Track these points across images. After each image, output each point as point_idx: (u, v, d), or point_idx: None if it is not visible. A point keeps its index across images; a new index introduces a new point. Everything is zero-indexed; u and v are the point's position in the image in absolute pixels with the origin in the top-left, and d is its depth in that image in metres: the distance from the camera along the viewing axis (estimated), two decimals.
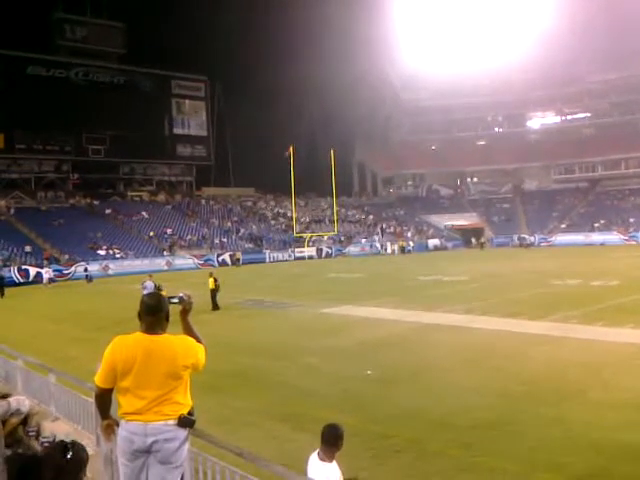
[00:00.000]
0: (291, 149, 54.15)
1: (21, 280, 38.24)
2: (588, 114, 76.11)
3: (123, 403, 3.55)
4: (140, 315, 3.63)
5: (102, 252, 45.52)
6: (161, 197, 64.37)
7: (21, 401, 5.92)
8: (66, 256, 43.01)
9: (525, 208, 70.00)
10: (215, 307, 21.00)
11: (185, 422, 3.52)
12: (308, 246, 56.73)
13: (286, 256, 54.24)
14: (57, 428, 6.05)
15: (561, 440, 7.18)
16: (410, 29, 75.38)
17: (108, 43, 62.31)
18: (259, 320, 18.99)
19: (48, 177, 59.17)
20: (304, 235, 57.49)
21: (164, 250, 49.33)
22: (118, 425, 3.65)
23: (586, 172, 72.56)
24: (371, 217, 69.81)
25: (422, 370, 11.15)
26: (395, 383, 10.35)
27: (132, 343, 3.56)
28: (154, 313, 3.60)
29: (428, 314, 17.81)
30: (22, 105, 53.88)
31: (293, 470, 3.58)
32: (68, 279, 40.16)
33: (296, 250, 55.43)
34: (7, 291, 32.22)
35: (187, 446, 3.61)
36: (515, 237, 62.10)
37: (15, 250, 41.86)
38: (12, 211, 50.54)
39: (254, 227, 60.39)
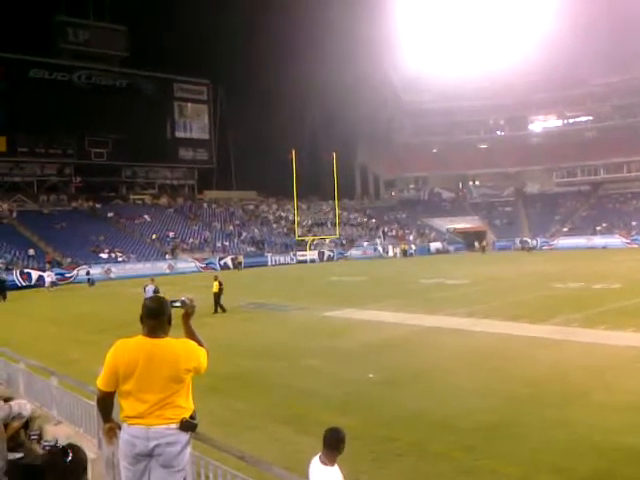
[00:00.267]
0: (293, 152, 54.19)
1: (23, 283, 38.25)
2: (590, 117, 75.98)
3: (125, 406, 3.55)
4: (142, 318, 3.63)
5: (104, 255, 45.53)
6: (163, 200, 64.44)
7: (23, 405, 5.91)
8: (68, 259, 43.05)
9: (527, 211, 69.89)
10: (216, 310, 21.00)
11: (187, 426, 3.52)
12: (310, 249, 56.69)
13: (288, 259, 54.22)
14: (59, 432, 6.05)
15: (564, 443, 7.16)
16: (412, 31, 75.39)
17: (110, 46, 62.43)
18: (261, 323, 18.99)
19: (50, 180, 59.24)
20: (306, 238, 57.46)
21: (166, 253, 49.35)
22: (120, 428, 3.65)
23: (588, 175, 72.47)
24: (373, 220, 69.77)
25: (424, 373, 11.15)
26: (397, 386, 10.34)
27: (134, 346, 3.57)
28: (156, 316, 3.60)
29: (430, 317, 17.80)
30: (24, 108, 54.01)
31: (295, 473, 3.58)
32: (70, 282, 40.16)
33: (298, 253, 55.39)
34: (9, 294, 32.21)
35: (189, 450, 3.61)
36: (517, 240, 61.98)
37: (17, 253, 41.88)
38: (14, 214, 50.60)
39: (256, 230, 60.39)
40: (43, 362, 7.85)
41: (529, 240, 60.87)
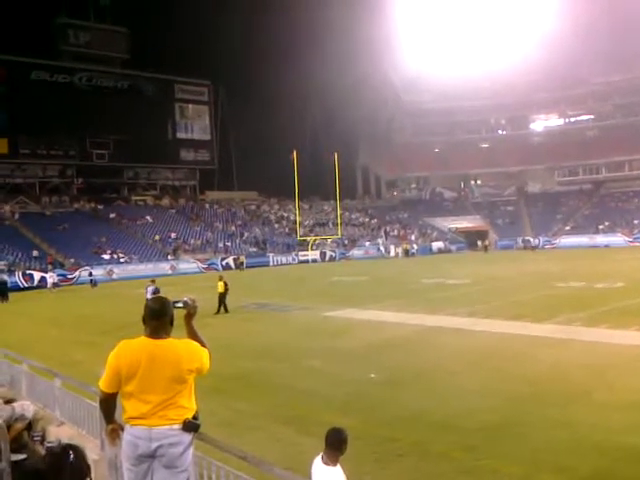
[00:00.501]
0: (294, 152, 54.18)
1: (26, 285, 38.34)
2: (591, 116, 75.88)
3: (128, 407, 3.56)
4: (144, 319, 3.64)
5: (106, 256, 45.59)
6: (165, 201, 64.50)
7: (25, 406, 5.92)
8: (71, 260, 43.12)
9: (529, 210, 69.83)
10: (219, 310, 21.04)
11: (190, 426, 3.53)
12: (312, 249, 56.70)
13: (290, 259, 54.24)
14: (62, 433, 6.07)
15: (566, 442, 7.17)
16: (412, 31, 75.32)
17: (111, 48, 62.52)
18: (263, 323, 19.01)
19: (52, 182, 59.31)
20: (308, 238, 57.45)
21: (168, 254, 49.38)
22: (123, 430, 3.67)
23: (590, 174, 72.43)
24: (375, 220, 69.76)
25: (425, 372, 11.15)
26: (398, 386, 10.35)
27: (136, 347, 3.58)
28: (158, 317, 3.61)
29: (431, 317, 17.80)
30: (26, 110, 54.11)
31: (297, 474, 3.60)
32: (72, 284, 40.21)
33: (300, 253, 55.41)
34: (12, 296, 32.28)
35: (192, 450, 3.62)
36: (519, 240, 61.92)
37: (20, 255, 41.96)
38: (16, 216, 50.67)
39: (258, 231, 60.41)
40: (46, 363, 7.87)
41: (531, 239, 60.81)
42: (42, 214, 52.86)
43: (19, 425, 5.63)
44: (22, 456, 4.32)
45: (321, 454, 3.98)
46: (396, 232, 66.06)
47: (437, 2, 73.67)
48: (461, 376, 10.67)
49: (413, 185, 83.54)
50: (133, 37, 64.05)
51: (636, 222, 59.00)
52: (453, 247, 64.13)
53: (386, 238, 63.34)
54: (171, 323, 3.67)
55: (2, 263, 39.52)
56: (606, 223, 60.34)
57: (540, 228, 63.70)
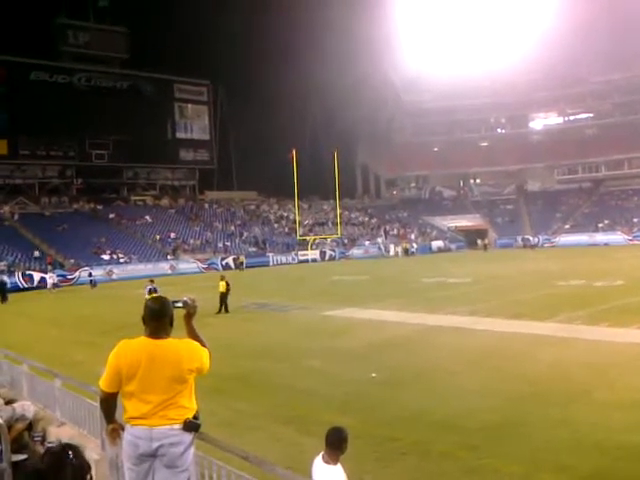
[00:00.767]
0: (294, 152, 54.16)
1: (25, 285, 38.33)
2: (591, 114, 75.87)
3: (128, 407, 3.56)
4: (144, 320, 3.64)
5: (106, 257, 45.58)
6: (164, 201, 64.47)
7: (26, 406, 5.92)
8: (71, 261, 43.12)
9: (529, 209, 69.82)
10: (220, 310, 21.05)
11: (191, 426, 3.52)
12: (311, 249, 56.70)
13: (290, 259, 54.24)
14: (63, 433, 6.07)
15: (567, 441, 7.16)
16: (412, 31, 75.30)
17: (111, 48, 62.46)
18: (263, 323, 19.01)
19: (52, 182, 59.28)
20: (307, 238, 57.44)
21: (168, 254, 49.37)
22: (123, 429, 3.66)
23: (589, 172, 72.37)
24: (374, 219, 69.77)
25: (426, 372, 11.15)
26: (399, 385, 10.34)
27: (136, 347, 3.57)
28: (158, 318, 3.61)
29: (432, 316, 17.80)
30: (25, 111, 54.09)
31: (298, 473, 3.59)
32: (72, 284, 40.20)
33: (299, 253, 55.40)
34: (12, 296, 32.27)
35: (193, 450, 3.62)
36: (519, 238, 61.93)
37: (19, 256, 41.95)
38: (16, 217, 50.67)
39: (257, 230, 60.40)
40: (45, 364, 7.87)
41: (531, 238, 60.82)
42: (42, 215, 52.85)
43: (20, 425, 5.63)
44: (23, 456, 4.32)
45: (322, 453, 3.97)
46: (396, 231, 66.07)
47: (437, 2, 73.66)
48: (461, 376, 10.66)
49: (413, 184, 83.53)
50: (132, 37, 64.06)
51: (635, 220, 59.01)
52: (453, 246, 64.13)
53: (386, 237, 63.35)
54: (171, 323, 3.66)
55: (2, 264, 39.52)
56: (606, 221, 60.35)
57: (540, 226, 63.71)
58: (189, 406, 3.57)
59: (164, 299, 3.78)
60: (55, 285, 36.51)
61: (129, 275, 42.71)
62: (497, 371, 10.85)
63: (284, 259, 53.86)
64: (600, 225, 60.02)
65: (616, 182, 68.88)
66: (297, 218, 58.55)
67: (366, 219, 69.85)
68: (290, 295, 26.54)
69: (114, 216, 55.77)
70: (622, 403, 8.49)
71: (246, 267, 48.16)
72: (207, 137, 69.36)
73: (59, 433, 6.04)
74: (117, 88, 62.34)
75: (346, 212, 68.40)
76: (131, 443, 3.52)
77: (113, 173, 62.37)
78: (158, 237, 52.73)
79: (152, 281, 23.08)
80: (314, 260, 55.27)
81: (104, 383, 3.62)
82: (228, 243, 54.98)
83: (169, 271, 45.40)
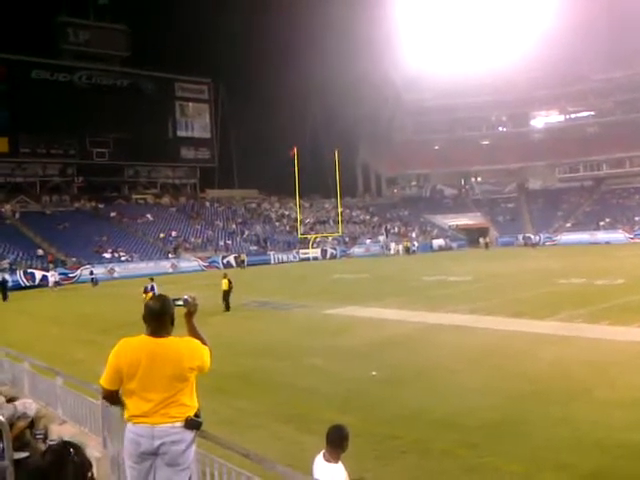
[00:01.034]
0: (295, 150, 54.11)
1: (27, 283, 38.36)
2: (592, 112, 75.80)
3: (130, 406, 3.57)
4: (145, 318, 3.65)
5: (107, 255, 45.63)
6: (165, 200, 64.48)
7: (28, 404, 5.94)
8: (72, 259, 43.16)
9: (530, 207, 69.76)
10: (227, 308, 21.11)
11: (192, 424, 3.53)
12: (313, 247, 56.70)
13: (291, 257, 54.25)
14: (64, 431, 6.08)
15: (567, 440, 7.17)
16: (412, 30, 75.24)
17: (111, 46, 62.45)
18: (264, 321, 19.02)
19: (53, 181, 59.35)
20: (309, 236, 57.44)
21: (169, 252, 49.41)
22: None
23: (591, 171, 72.30)
24: (375, 218, 69.74)
25: (427, 370, 11.15)
26: (400, 383, 10.35)
27: (137, 346, 3.58)
28: (159, 316, 3.61)
29: (433, 314, 17.80)
30: (26, 109, 54.12)
31: (299, 471, 3.60)
32: (74, 282, 40.23)
33: (301, 251, 55.42)
34: (13, 294, 32.30)
35: (194, 448, 3.63)
36: (520, 237, 61.88)
37: (21, 254, 41.98)
38: (17, 215, 50.68)
39: (259, 229, 60.41)
40: (46, 362, 7.88)
41: (532, 236, 60.77)
42: (43, 213, 52.88)
43: (21, 423, 5.65)
44: (25, 454, 4.33)
45: (323, 451, 3.99)
46: (397, 229, 66.05)
47: (437, 0, 73.55)
48: (462, 374, 10.67)
49: (414, 182, 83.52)
50: (133, 35, 64.05)
51: (637, 219, 58.93)
52: (454, 244, 64.08)
53: (387, 236, 63.34)
54: (172, 322, 3.67)
55: (5, 262, 39.56)
56: (607, 220, 60.28)
57: (541, 225, 63.65)
58: (190, 404, 3.58)
59: (164, 298, 3.79)
60: (57, 283, 36.55)
61: (130, 273, 42.74)
62: (498, 369, 10.86)
63: (285, 257, 53.87)
64: (601, 223, 59.95)
65: (617, 180, 68.82)
66: (298, 216, 58.53)
67: (367, 217, 69.86)
68: (291, 293, 26.55)
69: (115, 214, 55.79)
70: (623, 401, 8.49)
71: (247, 265, 48.20)
72: (208, 135, 69.38)
73: (60, 431, 6.06)
74: (118, 86, 62.35)
75: (347, 210, 68.38)
76: (133, 441, 3.53)
77: (114, 171, 62.38)
78: (162, 235, 52.77)
79: (152, 279, 23.11)
80: (315, 258, 55.28)
81: (104, 381, 3.63)
82: (229, 241, 55.00)
83: (170, 269, 45.42)
